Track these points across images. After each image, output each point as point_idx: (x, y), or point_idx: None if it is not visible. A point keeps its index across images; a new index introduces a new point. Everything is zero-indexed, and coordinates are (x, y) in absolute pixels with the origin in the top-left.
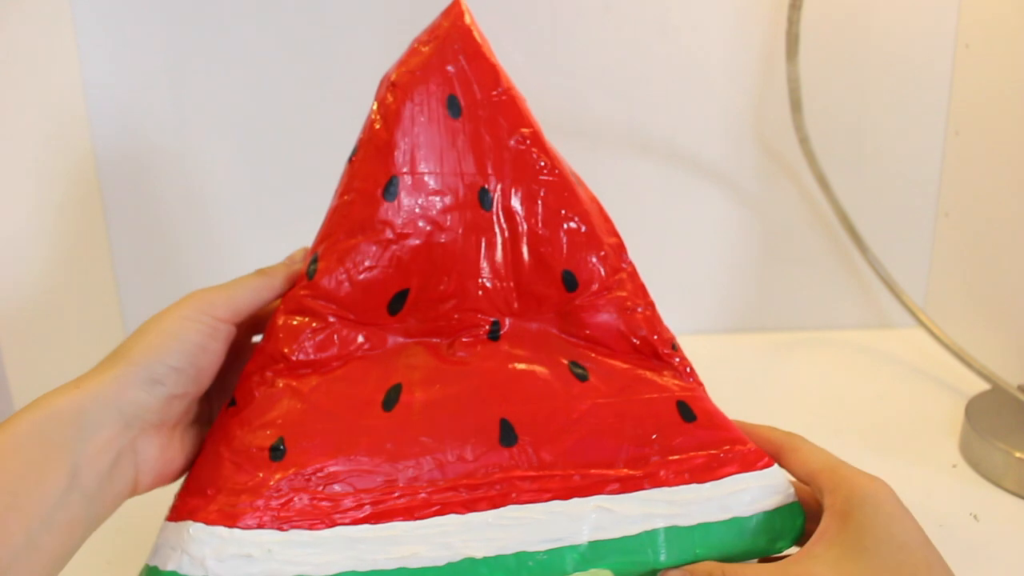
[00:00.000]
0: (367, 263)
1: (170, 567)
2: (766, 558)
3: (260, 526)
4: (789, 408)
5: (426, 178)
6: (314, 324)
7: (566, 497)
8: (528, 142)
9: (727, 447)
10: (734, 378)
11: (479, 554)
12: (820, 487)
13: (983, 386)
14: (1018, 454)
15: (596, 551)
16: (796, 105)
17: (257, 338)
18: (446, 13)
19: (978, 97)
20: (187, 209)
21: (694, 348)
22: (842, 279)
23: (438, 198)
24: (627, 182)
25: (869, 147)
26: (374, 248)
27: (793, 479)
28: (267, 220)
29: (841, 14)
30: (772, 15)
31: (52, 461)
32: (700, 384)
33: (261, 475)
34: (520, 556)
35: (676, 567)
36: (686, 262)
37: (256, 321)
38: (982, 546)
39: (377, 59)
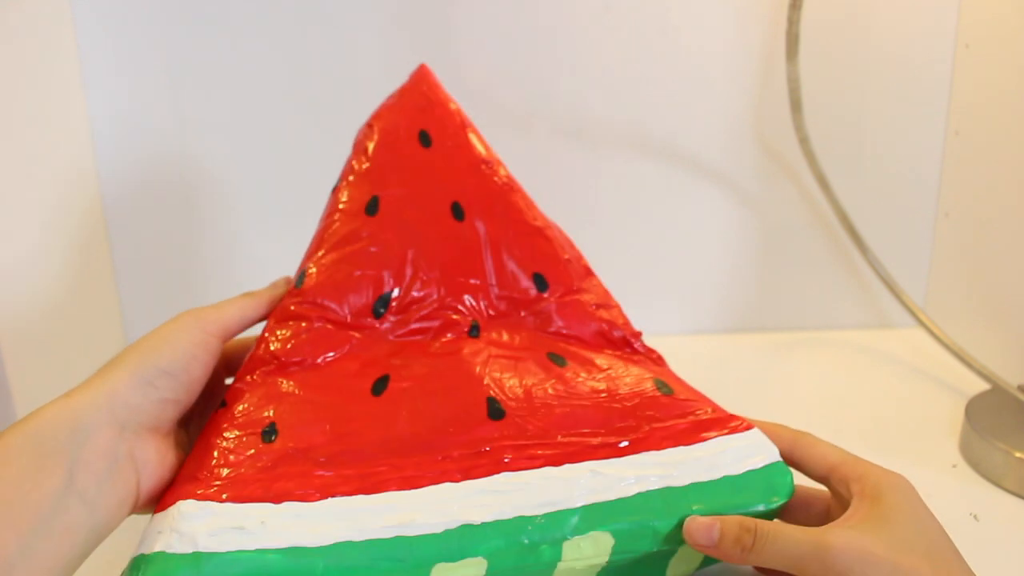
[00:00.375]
0: (352, 271)
1: (157, 548)
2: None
3: (253, 499)
4: (789, 408)
5: (404, 195)
6: (303, 328)
7: (558, 463)
8: (491, 167)
9: (708, 409)
10: (734, 378)
11: (477, 519)
12: (844, 476)
13: (983, 386)
14: (1018, 454)
15: (594, 514)
16: (796, 105)
17: (230, 380)
18: (414, 76)
19: (978, 97)
20: (187, 211)
21: (694, 348)
22: (842, 279)
23: (416, 212)
24: (627, 182)
25: (869, 147)
26: (359, 256)
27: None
28: (269, 226)
29: (841, 14)
30: (772, 15)
31: (45, 468)
32: (672, 371)
33: (253, 452)
34: (519, 520)
35: (702, 517)
36: (686, 262)
37: (228, 361)
38: (982, 546)
39: (378, 61)
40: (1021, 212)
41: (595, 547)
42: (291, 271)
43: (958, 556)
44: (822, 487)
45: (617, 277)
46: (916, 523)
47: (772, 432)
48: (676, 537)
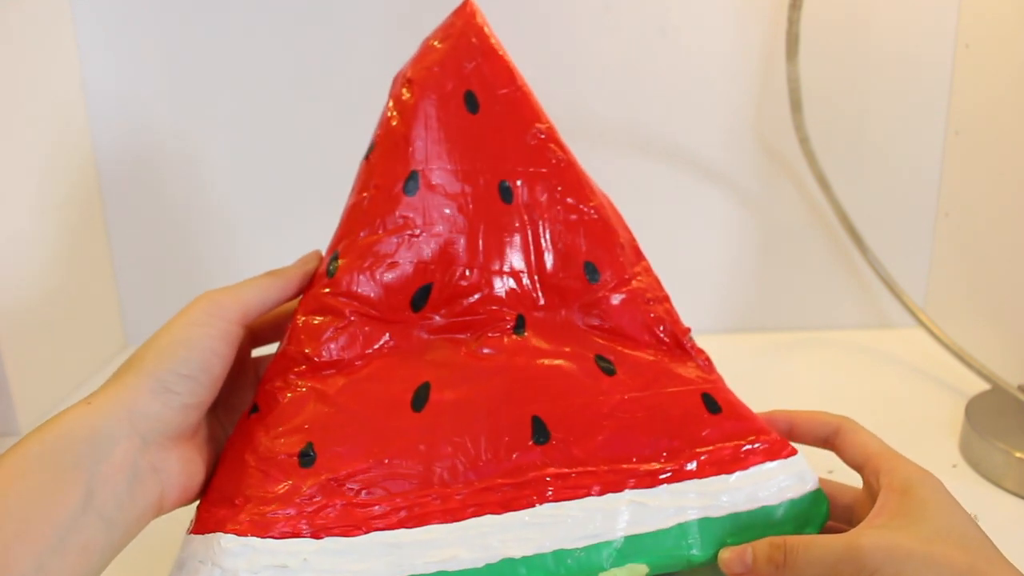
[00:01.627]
0: (389, 259)
1: None
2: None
3: (294, 535)
4: (789, 408)
5: (446, 173)
6: (336, 322)
7: (600, 493)
8: (544, 136)
9: (752, 437)
10: (734, 378)
11: (517, 554)
12: (877, 468)
13: (983, 386)
14: (1018, 454)
15: (632, 545)
16: (796, 105)
17: (256, 352)
18: (458, 12)
19: (978, 97)
20: (187, 209)
21: None
22: (842, 279)
23: (459, 192)
24: (627, 182)
25: (869, 147)
26: (396, 243)
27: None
28: (269, 220)
29: (841, 14)
30: (772, 15)
31: (64, 483)
32: (719, 376)
33: (291, 482)
34: (558, 554)
35: (732, 548)
36: (686, 262)
37: (256, 334)
38: None
39: (379, 58)
40: (1021, 212)
41: (629, 575)
42: (288, 259)
43: (992, 545)
44: (848, 483)
45: None
46: (946, 515)
47: (817, 419)
48: (709, 563)
